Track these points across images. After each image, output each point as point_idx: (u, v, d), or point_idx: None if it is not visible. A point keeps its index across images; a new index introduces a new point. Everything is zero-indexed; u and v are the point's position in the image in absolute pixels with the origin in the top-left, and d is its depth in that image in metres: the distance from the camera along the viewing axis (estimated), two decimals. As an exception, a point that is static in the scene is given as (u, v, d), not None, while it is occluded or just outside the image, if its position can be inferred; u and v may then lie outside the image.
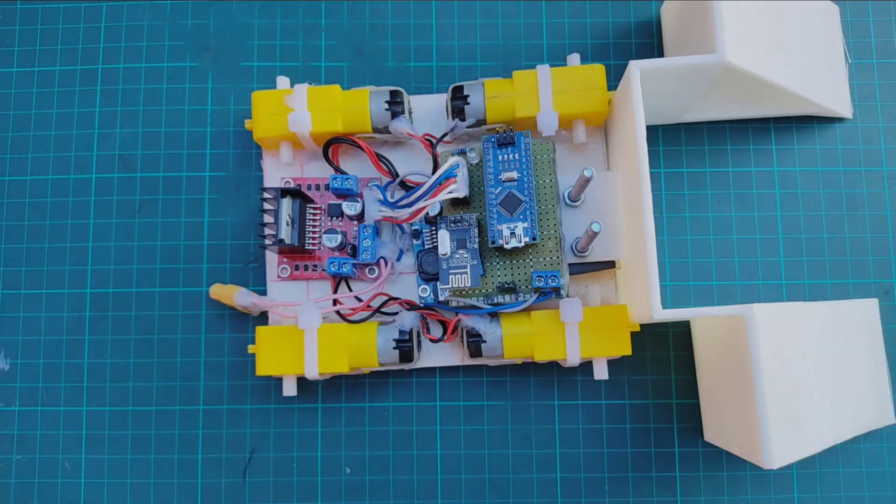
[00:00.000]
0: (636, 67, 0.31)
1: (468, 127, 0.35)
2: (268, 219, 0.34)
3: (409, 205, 0.34)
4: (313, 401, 0.37)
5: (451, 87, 0.35)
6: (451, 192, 0.33)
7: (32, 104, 0.39)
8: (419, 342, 0.35)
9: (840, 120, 0.39)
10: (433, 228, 0.34)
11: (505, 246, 0.32)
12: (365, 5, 0.40)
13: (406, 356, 0.34)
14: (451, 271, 0.33)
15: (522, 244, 0.32)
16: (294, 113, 0.35)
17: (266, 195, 0.34)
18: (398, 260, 0.36)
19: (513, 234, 0.32)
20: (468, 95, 0.35)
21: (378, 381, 0.37)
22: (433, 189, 0.33)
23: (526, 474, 0.36)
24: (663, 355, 0.37)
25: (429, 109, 0.38)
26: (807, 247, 0.38)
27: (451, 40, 0.39)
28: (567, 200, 0.35)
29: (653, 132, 0.38)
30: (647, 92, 0.31)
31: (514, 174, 0.33)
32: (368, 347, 0.34)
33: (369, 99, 0.35)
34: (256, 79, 0.39)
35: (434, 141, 0.36)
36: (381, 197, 0.34)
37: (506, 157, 0.34)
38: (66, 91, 0.39)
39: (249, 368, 0.37)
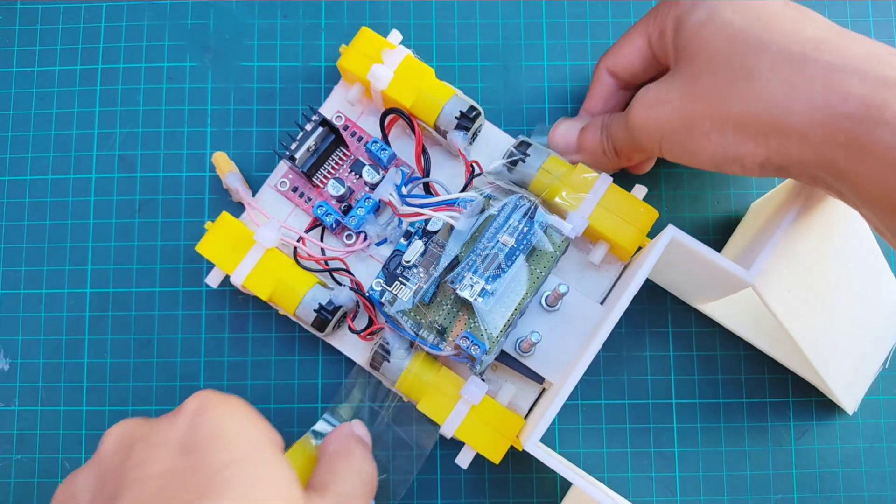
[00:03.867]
0: (671, 233, 0.30)
1: (511, 179, 0.35)
2: (299, 135, 0.35)
3: (414, 204, 0.34)
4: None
5: (520, 139, 0.35)
6: (451, 218, 0.33)
7: (32, 104, 0.39)
8: (339, 323, 0.35)
9: (840, 412, 0.37)
10: (426, 241, 0.34)
11: (458, 291, 0.32)
12: (365, 5, 0.40)
13: (320, 325, 0.34)
14: (400, 279, 0.33)
15: (473, 299, 0.32)
16: (381, 66, 0.35)
17: (310, 115, 0.35)
18: (377, 244, 0.36)
19: (472, 286, 0.32)
20: (528, 155, 0.34)
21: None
22: (441, 204, 0.33)
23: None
24: (664, 356, 0.37)
25: (496, 142, 0.37)
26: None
27: (451, 40, 0.39)
28: (544, 303, 0.35)
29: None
30: (669, 260, 0.31)
31: (512, 241, 0.32)
32: (295, 294, 0.34)
33: (449, 100, 0.35)
34: (256, 79, 0.39)
35: (477, 169, 0.36)
36: (399, 181, 0.35)
37: (517, 224, 0.33)
38: (66, 91, 0.39)
39: (249, 369, 0.37)
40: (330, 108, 0.38)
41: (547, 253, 0.33)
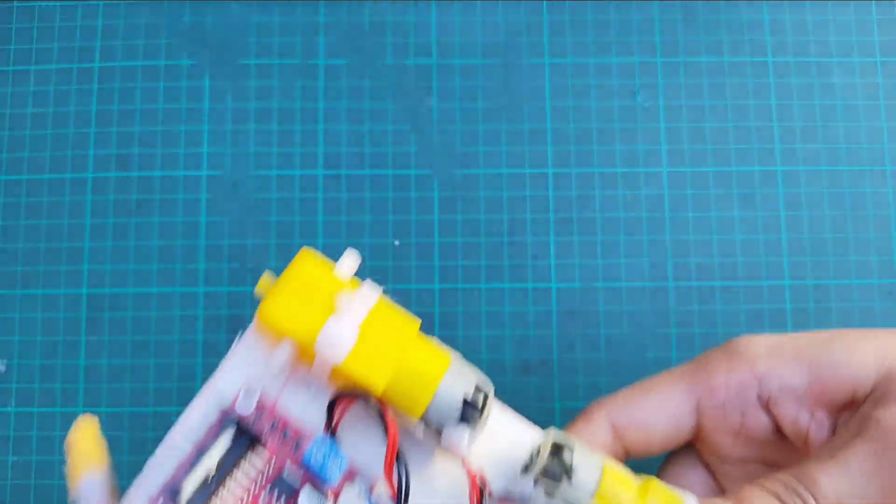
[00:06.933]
0: None
1: None
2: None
3: None
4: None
5: (551, 437, 0.22)
6: None
7: (29, 103, 0.39)
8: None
9: None
10: None
11: None
12: (364, 4, 0.40)
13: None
14: None
15: None
16: (337, 323, 0.21)
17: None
18: None
19: None
20: (575, 470, 0.21)
21: None
22: None
23: None
24: (666, 356, 0.37)
25: (502, 434, 0.23)
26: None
27: (451, 37, 0.39)
28: None
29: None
30: None
31: None
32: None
33: (443, 378, 0.21)
34: (254, 76, 0.39)
35: (486, 492, 0.22)
36: None
37: None
38: (62, 90, 0.39)
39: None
40: (231, 378, 0.23)
41: None
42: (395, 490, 0.21)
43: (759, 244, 0.37)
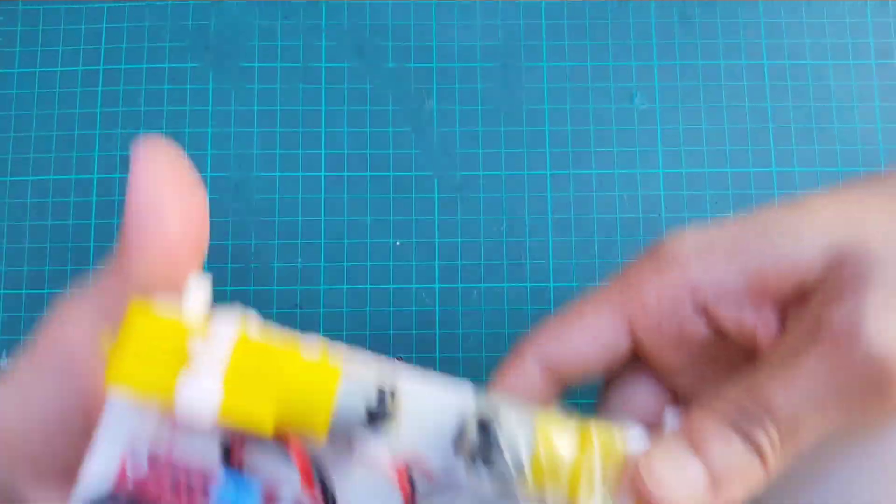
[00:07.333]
0: None
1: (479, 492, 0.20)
2: None
3: None
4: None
5: (478, 419, 0.20)
6: None
7: (34, 105, 0.39)
8: None
9: None
10: None
11: None
12: (365, 6, 0.40)
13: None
14: None
15: None
16: (191, 383, 0.17)
17: None
18: None
19: None
20: (502, 446, 0.19)
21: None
22: None
23: None
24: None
25: (426, 411, 0.20)
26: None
27: (451, 41, 0.40)
28: None
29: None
30: None
31: None
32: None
33: (337, 393, 0.18)
34: (258, 79, 0.39)
35: (418, 482, 0.20)
36: None
37: None
38: (68, 92, 0.39)
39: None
40: (108, 452, 0.19)
41: None
42: (319, 497, 0.20)
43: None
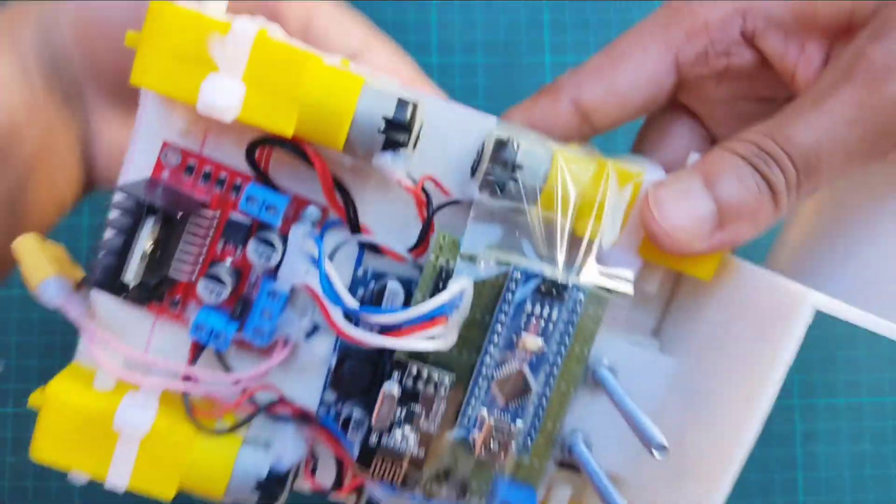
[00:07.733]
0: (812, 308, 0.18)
1: (495, 208, 0.21)
2: (110, 235, 0.19)
3: (372, 325, 0.20)
4: None
5: (495, 139, 0.20)
6: (431, 338, 0.19)
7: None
8: (295, 478, 0.22)
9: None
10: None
11: (475, 453, 0.21)
12: (365, 2, 0.39)
13: (268, 500, 0.21)
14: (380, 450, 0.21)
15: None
16: (215, 78, 0.18)
17: (117, 202, 0.19)
18: (306, 339, 0.22)
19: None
20: (520, 166, 0.20)
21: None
22: (414, 322, 0.19)
23: None
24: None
25: (448, 133, 0.22)
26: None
27: (452, 36, 0.39)
28: (593, 375, 0.22)
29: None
30: None
31: (540, 344, 0.20)
32: (215, 474, 0.20)
33: (359, 100, 0.19)
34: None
35: (432, 203, 0.21)
36: (316, 254, 0.20)
37: (540, 312, 0.20)
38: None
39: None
40: (149, 142, 0.21)
41: (586, 327, 0.21)
42: (344, 213, 0.21)
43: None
